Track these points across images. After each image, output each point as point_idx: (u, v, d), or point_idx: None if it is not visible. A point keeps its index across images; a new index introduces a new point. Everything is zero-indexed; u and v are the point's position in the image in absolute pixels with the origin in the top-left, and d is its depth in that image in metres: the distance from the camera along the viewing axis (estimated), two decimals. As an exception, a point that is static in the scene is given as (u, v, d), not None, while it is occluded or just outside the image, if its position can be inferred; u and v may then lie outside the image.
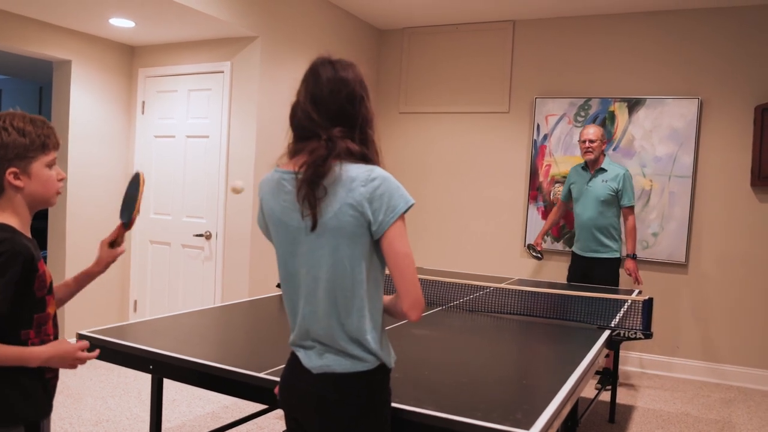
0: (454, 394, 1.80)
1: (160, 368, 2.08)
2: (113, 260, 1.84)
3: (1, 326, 1.47)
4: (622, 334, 2.75)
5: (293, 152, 1.50)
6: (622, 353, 5.02)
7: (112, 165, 4.87)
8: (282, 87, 4.54)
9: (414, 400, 1.70)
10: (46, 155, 1.56)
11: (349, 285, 1.45)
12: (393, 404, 1.60)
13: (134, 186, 1.85)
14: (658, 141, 4.85)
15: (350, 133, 1.47)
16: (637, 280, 4.41)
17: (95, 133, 4.73)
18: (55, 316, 1.62)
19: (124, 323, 2.47)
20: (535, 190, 5.27)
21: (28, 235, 1.57)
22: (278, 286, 3.38)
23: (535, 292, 3.60)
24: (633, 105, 4.92)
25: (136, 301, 5.00)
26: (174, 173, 4.76)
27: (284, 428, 2.58)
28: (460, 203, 5.58)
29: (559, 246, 5.15)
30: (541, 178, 5.25)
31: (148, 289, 4.93)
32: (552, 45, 5.23)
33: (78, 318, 4.69)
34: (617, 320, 2.97)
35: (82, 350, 1.57)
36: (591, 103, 5.05)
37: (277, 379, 1.82)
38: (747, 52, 4.65)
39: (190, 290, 4.71)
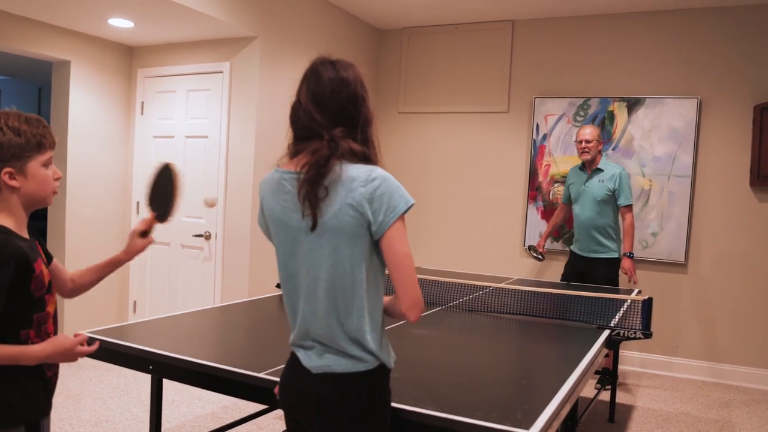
0: (454, 394, 1.80)
1: (160, 368, 2.07)
2: (143, 250, 1.87)
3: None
4: (621, 334, 2.75)
5: (294, 152, 1.50)
6: (621, 353, 5.02)
7: (112, 165, 4.87)
8: (281, 87, 4.54)
9: (414, 400, 1.70)
10: (42, 154, 1.55)
11: (349, 285, 1.45)
12: (393, 404, 1.60)
13: (166, 177, 1.83)
14: (658, 141, 4.86)
15: (352, 133, 1.47)
16: (632, 279, 4.39)
17: (94, 134, 4.72)
18: (55, 314, 1.62)
19: (124, 323, 2.47)
20: (534, 189, 5.27)
21: (25, 235, 1.56)
22: (278, 286, 3.38)
23: (534, 292, 3.60)
24: (632, 105, 4.92)
25: (135, 302, 5.00)
26: (173, 173, 4.75)
27: (284, 428, 2.58)
28: (459, 203, 5.59)
29: (559, 246, 5.15)
30: (540, 178, 5.25)
31: (148, 289, 4.93)
32: (551, 45, 5.23)
33: (77, 318, 4.69)
34: (617, 320, 2.97)
35: (81, 344, 1.57)
36: (590, 102, 5.05)
37: (277, 379, 1.82)
38: (746, 52, 4.66)
39: (189, 290, 4.71)
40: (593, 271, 4.40)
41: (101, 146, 4.78)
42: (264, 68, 4.39)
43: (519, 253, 5.38)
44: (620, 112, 4.96)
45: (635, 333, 2.74)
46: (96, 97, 4.72)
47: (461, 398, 1.76)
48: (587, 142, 4.36)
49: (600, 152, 4.44)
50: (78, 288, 1.81)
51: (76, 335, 1.57)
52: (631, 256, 4.36)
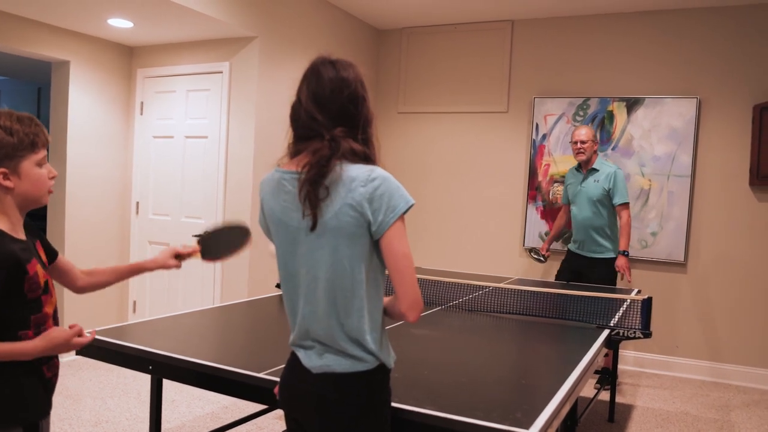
0: (454, 394, 1.80)
1: (160, 369, 2.07)
2: (167, 269, 1.92)
3: None
4: (621, 334, 2.75)
5: (294, 152, 1.50)
6: (621, 352, 5.02)
7: (111, 166, 4.87)
8: (281, 87, 4.54)
9: (414, 400, 1.70)
10: (35, 153, 1.53)
11: (348, 285, 1.45)
12: (393, 404, 1.60)
13: (237, 236, 1.96)
14: (657, 140, 4.86)
15: (352, 133, 1.47)
16: (624, 277, 4.36)
17: (94, 134, 4.72)
18: (55, 314, 1.61)
19: (124, 324, 2.47)
20: (533, 189, 5.27)
21: (20, 236, 1.54)
22: (278, 286, 3.38)
23: (534, 291, 3.60)
24: (632, 104, 4.92)
25: (135, 302, 5.00)
26: (173, 174, 4.76)
27: (284, 428, 2.59)
28: (459, 203, 5.59)
29: (558, 245, 5.15)
30: (539, 178, 5.25)
31: (148, 289, 4.93)
32: (550, 45, 5.23)
33: (77, 318, 4.69)
34: (616, 320, 2.97)
35: (79, 335, 1.54)
36: (590, 102, 5.05)
37: (277, 379, 1.82)
38: (745, 52, 4.66)
39: (189, 290, 4.71)
40: (592, 271, 4.39)
41: (100, 146, 4.78)
42: (263, 68, 4.39)
43: (519, 252, 5.38)
44: (620, 111, 4.96)
45: (635, 333, 2.74)
46: (95, 97, 4.72)
47: (461, 398, 1.76)
48: (582, 142, 4.36)
49: (596, 152, 4.44)
50: (92, 285, 1.80)
51: (71, 326, 1.54)
52: (625, 254, 4.33)
